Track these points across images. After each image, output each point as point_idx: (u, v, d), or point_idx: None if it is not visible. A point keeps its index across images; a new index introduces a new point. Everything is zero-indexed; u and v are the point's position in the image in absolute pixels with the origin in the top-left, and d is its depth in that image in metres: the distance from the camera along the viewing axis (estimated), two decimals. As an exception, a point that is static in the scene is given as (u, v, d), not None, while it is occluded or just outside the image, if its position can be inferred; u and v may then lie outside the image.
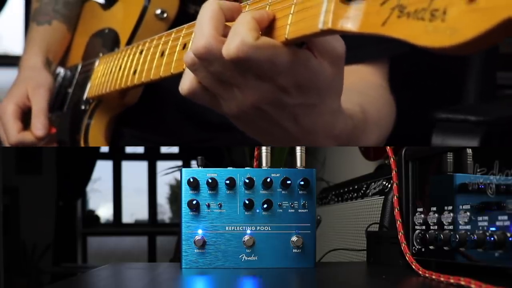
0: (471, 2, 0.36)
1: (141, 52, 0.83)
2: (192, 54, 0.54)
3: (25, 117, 1.06)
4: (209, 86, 0.56)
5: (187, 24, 0.71)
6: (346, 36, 0.82)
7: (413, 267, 0.67)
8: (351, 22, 0.45)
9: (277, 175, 0.79)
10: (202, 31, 0.53)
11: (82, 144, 1.00)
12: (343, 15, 0.46)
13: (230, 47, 0.50)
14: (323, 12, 0.47)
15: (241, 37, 0.50)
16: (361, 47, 0.83)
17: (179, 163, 4.71)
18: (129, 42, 0.99)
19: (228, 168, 0.79)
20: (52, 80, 1.09)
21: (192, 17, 0.99)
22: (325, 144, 0.62)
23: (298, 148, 0.81)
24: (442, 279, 0.59)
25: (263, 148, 0.82)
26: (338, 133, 0.61)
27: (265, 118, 0.57)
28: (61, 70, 1.15)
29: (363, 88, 0.78)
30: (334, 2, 0.46)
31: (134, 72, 0.83)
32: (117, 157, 4.78)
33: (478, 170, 0.60)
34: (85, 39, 1.13)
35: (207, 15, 0.54)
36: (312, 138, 0.59)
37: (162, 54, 0.75)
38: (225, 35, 0.53)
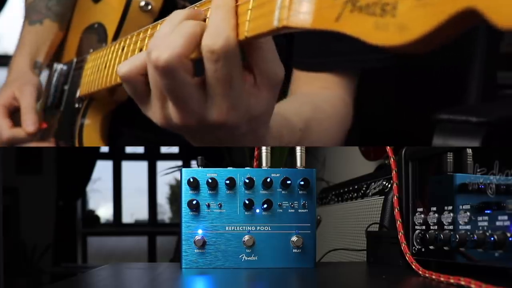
0: None
1: (122, 49, 0.83)
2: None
3: (13, 117, 1.06)
4: (156, 88, 0.55)
5: (161, 20, 0.70)
6: (315, 43, 0.81)
7: (413, 267, 0.67)
8: (304, 18, 0.43)
9: (277, 175, 0.79)
10: (169, 42, 0.52)
11: (76, 144, 1.00)
12: (297, 10, 0.44)
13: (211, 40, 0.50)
14: (278, 8, 0.45)
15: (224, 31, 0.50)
16: (331, 56, 0.82)
17: (179, 163, 4.71)
18: (116, 36, 0.98)
19: (228, 168, 0.79)
20: (39, 81, 1.10)
21: (178, 8, 0.98)
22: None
23: (298, 148, 0.81)
24: (442, 279, 0.58)
25: (263, 148, 0.82)
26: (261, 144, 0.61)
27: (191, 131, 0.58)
28: (57, 66, 1.15)
29: (320, 101, 0.77)
30: None
31: None
32: (117, 157, 4.77)
33: (478, 170, 0.60)
34: (78, 34, 1.13)
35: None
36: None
37: (141, 50, 0.74)
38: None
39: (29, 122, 1.01)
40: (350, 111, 0.82)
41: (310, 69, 0.80)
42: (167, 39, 0.52)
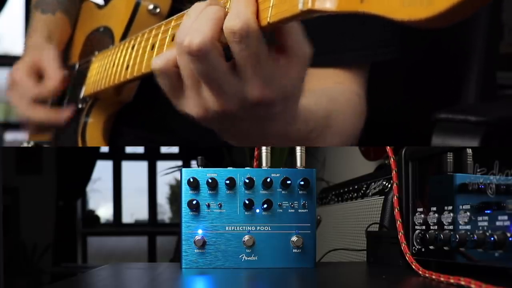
0: None
1: (133, 47, 0.83)
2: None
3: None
4: (190, 77, 0.56)
5: (176, 16, 0.70)
6: (328, 39, 0.82)
7: (413, 267, 0.67)
8: (329, 1, 0.44)
9: (277, 175, 0.79)
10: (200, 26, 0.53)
11: (80, 144, 1.00)
12: None
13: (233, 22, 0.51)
14: None
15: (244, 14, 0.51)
16: (342, 51, 0.82)
17: (179, 163, 4.71)
18: (123, 38, 0.98)
19: (228, 168, 0.79)
20: (58, 53, 1.10)
21: (185, 9, 0.98)
22: (271, 143, 0.63)
23: (298, 148, 0.81)
24: (442, 279, 0.58)
25: (263, 148, 0.82)
26: (289, 135, 0.62)
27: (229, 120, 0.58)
28: None
29: (335, 94, 0.78)
30: None
31: (127, 67, 0.83)
32: (117, 157, 4.77)
33: (478, 170, 0.60)
34: (82, 39, 1.13)
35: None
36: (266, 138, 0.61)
37: (153, 47, 0.75)
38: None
39: (53, 76, 1.02)
40: (364, 105, 0.82)
41: (323, 65, 0.80)
42: (195, 25, 0.53)
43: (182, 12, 0.69)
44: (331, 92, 0.78)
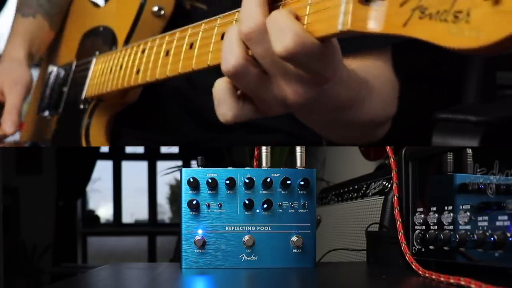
0: (496, 5, 0.36)
1: (143, 51, 0.83)
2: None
3: None
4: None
5: (192, 25, 0.71)
6: None
7: (413, 267, 0.67)
8: (371, 23, 0.45)
9: (277, 175, 0.79)
10: (250, 12, 0.52)
11: (84, 144, 1.00)
12: (362, 16, 0.46)
13: (286, 42, 0.48)
14: (342, 13, 0.47)
15: (293, 30, 0.48)
16: (361, 36, 0.83)
17: (179, 163, 4.71)
18: (127, 40, 0.98)
19: (228, 168, 0.79)
20: (31, 76, 1.08)
21: (188, 13, 0.98)
22: (328, 114, 0.62)
23: (298, 148, 0.81)
24: (442, 279, 0.58)
25: (263, 148, 0.82)
26: (344, 97, 0.61)
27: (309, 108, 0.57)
28: (53, 69, 1.14)
29: (366, 68, 0.78)
30: (353, 3, 0.46)
31: (137, 71, 0.83)
32: (117, 157, 4.77)
33: (478, 170, 0.60)
34: (77, 37, 1.13)
35: None
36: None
37: (167, 53, 0.75)
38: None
39: (10, 123, 1.01)
40: (395, 80, 0.81)
41: (345, 53, 0.80)
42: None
43: (199, 22, 0.69)
44: (361, 67, 0.78)
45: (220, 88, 0.57)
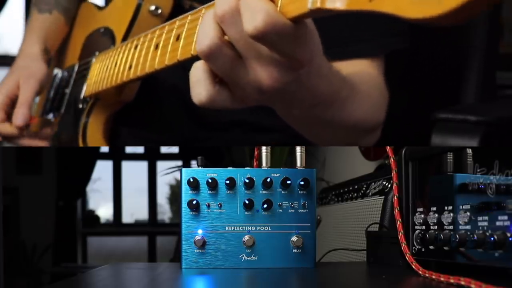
0: None
1: (136, 47, 0.83)
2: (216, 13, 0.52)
3: (14, 108, 1.07)
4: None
5: (180, 17, 0.71)
6: (340, 32, 0.82)
7: (413, 267, 0.67)
8: (339, 0, 0.44)
9: (277, 175, 0.79)
10: None
11: (80, 144, 1.00)
12: None
13: (257, 21, 0.48)
14: None
15: (264, 10, 0.48)
16: (355, 43, 0.83)
17: (179, 163, 4.71)
18: (124, 39, 0.99)
19: (228, 168, 0.79)
20: (46, 71, 1.10)
21: (187, 12, 0.98)
22: (307, 112, 0.62)
23: (298, 148, 0.81)
24: (442, 279, 0.59)
25: (263, 148, 0.82)
26: (323, 91, 0.61)
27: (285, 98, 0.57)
28: (58, 72, 1.15)
29: (355, 72, 0.78)
30: None
31: (130, 67, 0.83)
32: (117, 157, 4.77)
33: (478, 170, 0.60)
34: (81, 40, 1.14)
35: None
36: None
37: (156, 47, 0.75)
38: None
39: (20, 116, 1.02)
40: (385, 88, 0.81)
41: (338, 59, 0.80)
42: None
43: (186, 14, 0.69)
44: (353, 74, 0.78)
45: (197, 68, 0.57)
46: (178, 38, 0.69)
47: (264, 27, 0.49)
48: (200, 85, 0.57)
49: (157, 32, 0.77)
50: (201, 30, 0.55)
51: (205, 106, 0.57)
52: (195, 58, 0.64)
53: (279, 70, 0.54)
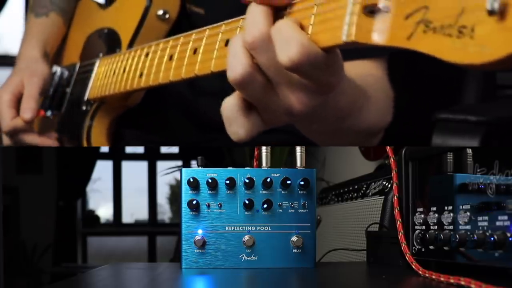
0: (501, 21, 0.35)
1: (146, 55, 0.83)
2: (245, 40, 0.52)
3: (20, 105, 1.07)
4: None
5: (196, 30, 0.71)
6: None
7: (413, 267, 0.67)
8: (376, 35, 0.45)
9: (277, 175, 0.79)
10: (254, 20, 0.51)
11: (85, 145, 1.01)
12: (366, 27, 0.45)
13: (291, 52, 0.48)
14: (346, 24, 0.46)
15: (298, 40, 0.48)
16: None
17: (179, 163, 4.71)
18: (131, 43, 0.98)
19: (228, 168, 0.79)
20: (49, 71, 1.10)
21: (189, 16, 0.98)
22: (328, 121, 0.62)
23: (298, 148, 0.81)
24: (442, 279, 0.59)
25: (263, 148, 0.82)
26: (343, 105, 0.61)
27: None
28: (57, 69, 1.15)
29: (362, 76, 0.78)
30: (358, 14, 0.46)
31: (141, 75, 0.83)
32: (117, 157, 4.78)
33: (478, 170, 0.60)
34: (82, 38, 1.13)
35: (258, 7, 0.52)
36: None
37: (171, 58, 0.75)
38: None
39: (27, 110, 1.03)
40: (390, 88, 0.81)
41: (344, 59, 0.81)
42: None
43: (204, 28, 0.69)
44: (360, 77, 0.78)
45: (230, 106, 0.56)
46: (195, 51, 0.69)
47: (299, 59, 0.48)
48: (236, 123, 0.56)
49: (171, 42, 0.76)
50: (231, 57, 0.54)
51: (244, 141, 0.57)
52: (214, 75, 0.64)
53: (308, 95, 0.54)
